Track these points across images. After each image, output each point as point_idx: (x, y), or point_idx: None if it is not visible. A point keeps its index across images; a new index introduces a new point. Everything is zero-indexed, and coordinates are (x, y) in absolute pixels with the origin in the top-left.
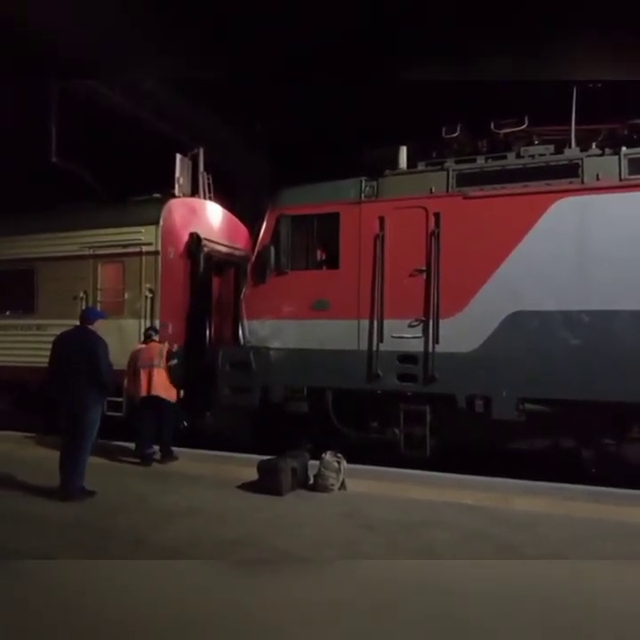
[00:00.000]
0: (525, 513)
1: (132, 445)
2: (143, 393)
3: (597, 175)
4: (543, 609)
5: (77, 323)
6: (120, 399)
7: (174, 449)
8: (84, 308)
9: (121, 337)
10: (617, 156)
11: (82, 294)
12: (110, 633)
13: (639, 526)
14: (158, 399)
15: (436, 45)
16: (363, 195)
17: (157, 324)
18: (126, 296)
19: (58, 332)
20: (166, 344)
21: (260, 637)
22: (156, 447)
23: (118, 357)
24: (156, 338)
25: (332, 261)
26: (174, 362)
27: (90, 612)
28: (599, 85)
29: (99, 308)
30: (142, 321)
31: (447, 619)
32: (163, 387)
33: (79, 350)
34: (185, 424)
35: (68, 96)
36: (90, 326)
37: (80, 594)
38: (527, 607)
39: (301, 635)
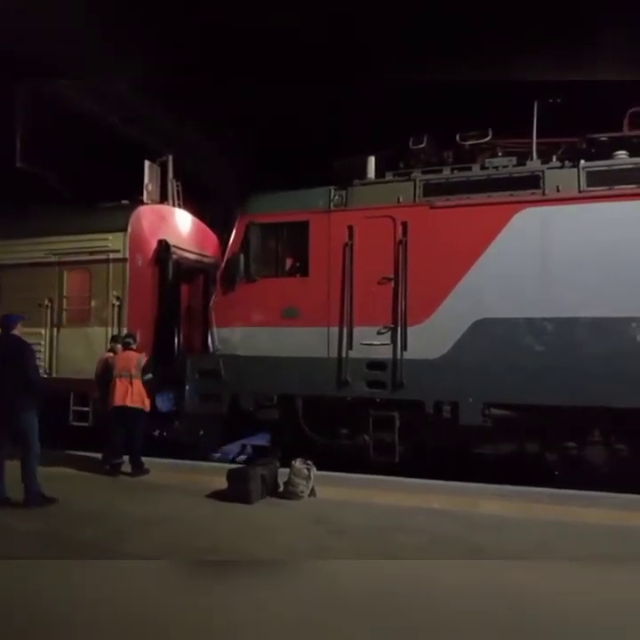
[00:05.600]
0: (492, 516)
1: (98, 456)
2: (119, 402)
3: (558, 187)
4: (505, 609)
5: (43, 331)
6: (86, 408)
7: (143, 459)
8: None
9: (87, 345)
10: (576, 169)
11: (47, 302)
12: (64, 634)
13: (601, 528)
14: (133, 410)
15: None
16: (332, 204)
17: (125, 332)
18: (93, 304)
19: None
20: (143, 354)
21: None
22: (125, 457)
23: (85, 366)
24: (134, 346)
25: (302, 269)
26: (150, 376)
27: (45, 613)
28: (559, 100)
29: (65, 317)
30: (109, 329)
31: (414, 619)
32: (140, 397)
33: (5, 357)
34: (156, 434)
35: (33, 98)
36: (14, 332)
37: (39, 594)
38: (490, 607)
39: (269, 636)
